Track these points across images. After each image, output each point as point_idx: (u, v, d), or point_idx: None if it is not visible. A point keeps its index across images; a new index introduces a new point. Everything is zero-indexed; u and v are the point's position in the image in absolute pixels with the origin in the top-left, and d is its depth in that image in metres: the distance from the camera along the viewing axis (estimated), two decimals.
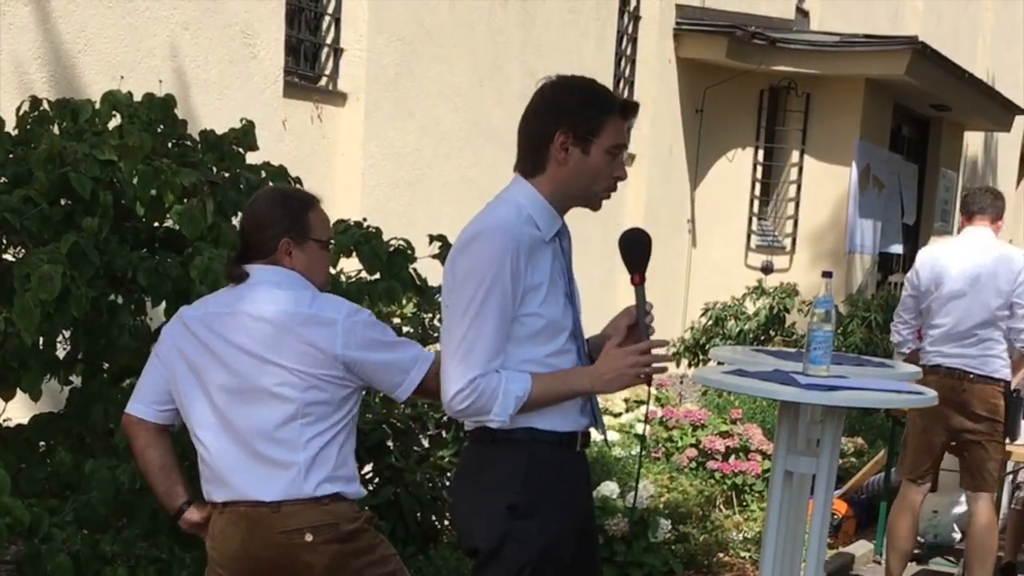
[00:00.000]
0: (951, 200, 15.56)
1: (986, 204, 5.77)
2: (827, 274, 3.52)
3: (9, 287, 3.28)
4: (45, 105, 3.85)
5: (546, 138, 2.95)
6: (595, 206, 3.08)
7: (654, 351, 2.99)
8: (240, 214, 3.87)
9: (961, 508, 6.89)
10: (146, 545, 3.31)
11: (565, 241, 3.05)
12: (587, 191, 3.00)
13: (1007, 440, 5.87)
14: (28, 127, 3.78)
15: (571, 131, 2.93)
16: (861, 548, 6.93)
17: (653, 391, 7.79)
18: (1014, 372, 5.88)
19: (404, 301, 5.26)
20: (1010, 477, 6.60)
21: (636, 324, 3.05)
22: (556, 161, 2.95)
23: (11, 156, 3.63)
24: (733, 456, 7.03)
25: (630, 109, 3.04)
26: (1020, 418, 5.96)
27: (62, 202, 3.51)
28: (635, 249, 3.11)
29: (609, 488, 5.94)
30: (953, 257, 5.76)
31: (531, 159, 2.99)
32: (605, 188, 3.01)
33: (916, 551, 6.89)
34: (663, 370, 3.06)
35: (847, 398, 3.37)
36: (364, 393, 4.70)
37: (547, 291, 2.93)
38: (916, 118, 13.92)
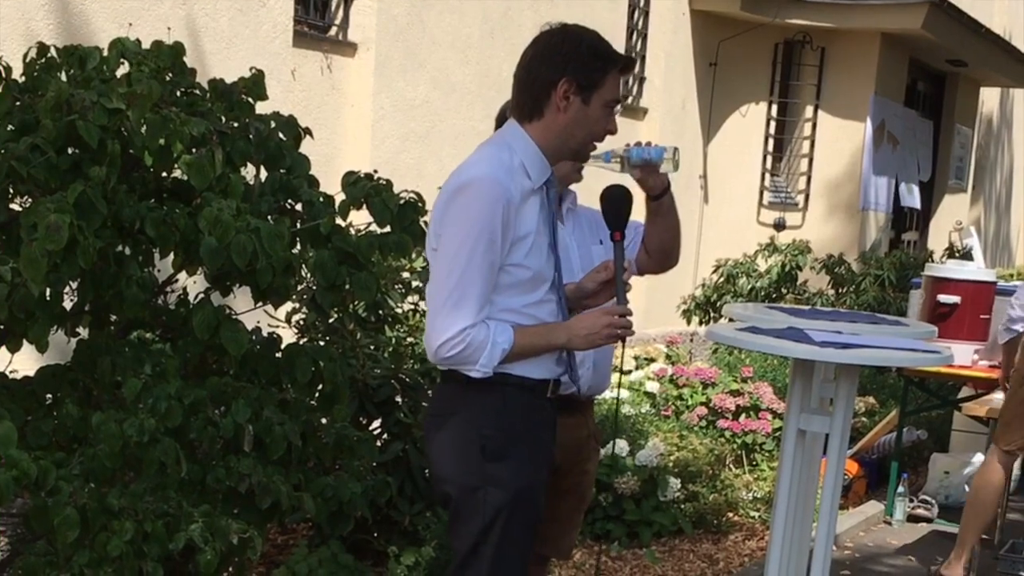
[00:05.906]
0: (966, 157, 15.44)
1: None
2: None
3: (16, 237, 3.24)
4: (52, 52, 3.79)
5: (549, 84, 2.98)
6: (583, 158, 3.14)
7: (626, 315, 3.05)
8: (248, 164, 3.81)
9: (973, 469, 6.85)
10: (153, 499, 3.28)
11: (552, 190, 3.08)
12: (581, 141, 3.04)
13: None
14: (35, 74, 3.72)
15: (575, 80, 2.97)
16: (871, 509, 6.91)
17: (663, 349, 7.80)
18: None
19: (414, 255, 5.21)
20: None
21: (613, 280, 3.10)
22: (556, 108, 2.99)
23: (18, 104, 3.57)
24: (744, 415, 7.00)
25: (629, 65, 3.12)
26: None
27: (69, 151, 3.45)
28: (615, 206, 3.14)
29: (618, 446, 5.92)
30: None
31: (529, 104, 3.02)
32: (595, 140, 3.06)
33: (925, 511, 6.85)
34: (632, 333, 3.11)
35: (861, 356, 3.33)
36: (372, 348, 4.64)
37: (533, 242, 2.96)
38: (932, 73, 13.79)
